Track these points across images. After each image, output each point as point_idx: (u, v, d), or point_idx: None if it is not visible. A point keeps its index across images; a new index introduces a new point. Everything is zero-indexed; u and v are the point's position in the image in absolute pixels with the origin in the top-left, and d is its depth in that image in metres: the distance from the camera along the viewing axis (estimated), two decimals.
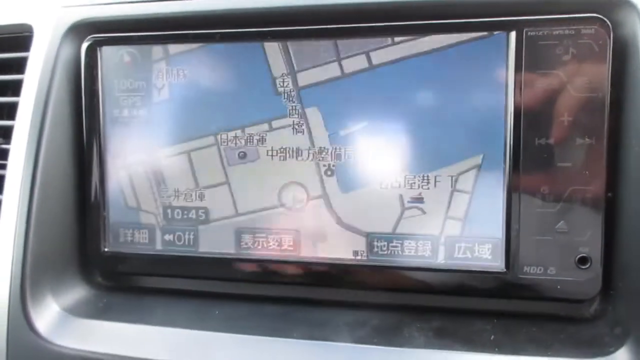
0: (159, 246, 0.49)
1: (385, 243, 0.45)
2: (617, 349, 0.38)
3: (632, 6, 0.40)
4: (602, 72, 0.40)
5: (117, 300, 0.49)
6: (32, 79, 0.48)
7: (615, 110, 0.40)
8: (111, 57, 0.48)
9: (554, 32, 0.40)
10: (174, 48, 0.47)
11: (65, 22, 0.49)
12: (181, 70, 0.47)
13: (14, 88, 0.51)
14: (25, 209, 0.46)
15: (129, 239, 0.49)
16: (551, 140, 0.41)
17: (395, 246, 0.45)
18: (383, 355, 0.40)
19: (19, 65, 0.51)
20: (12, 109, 0.50)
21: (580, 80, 0.40)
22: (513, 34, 0.41)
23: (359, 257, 0.45)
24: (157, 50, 0.47)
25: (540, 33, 0.40)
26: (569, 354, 0.39)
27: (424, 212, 0.44)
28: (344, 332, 0.43)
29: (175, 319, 0.46)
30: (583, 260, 0.41)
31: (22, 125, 0.48)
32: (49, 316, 0.46)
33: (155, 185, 0.48)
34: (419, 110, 0.43)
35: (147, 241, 0.49)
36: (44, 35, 0.49)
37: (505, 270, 0.42)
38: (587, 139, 0.40)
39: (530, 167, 0.41)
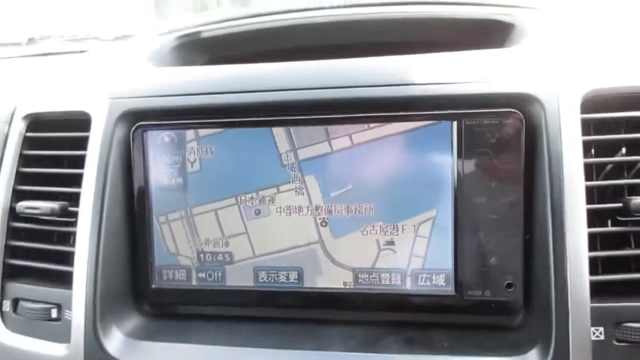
0: (194, 282, 0.63)
1: (367, 275, 0.60)
2: (530, 349, 0.53)
3: (539, 102, 0.55)
4: (519, 149, 0.55)
5: (163, 325, 0.63)
6: (93, 154, 0.62)
7: (528, 176, 0.56)
8: (154, 139, 0.62)
9: (484, 122, 0.56)
10: (203, 132, 0.61)
11: (116, 111, 0.63)
12: (209, 148, 0.61)
13: (74, 161, 0.66)
14: (93, 257, 0.60)
15: (171, 277, 0.64)
16: (484, 199, 0.56)
17: (375, 277, 0.60)
18: (368, 359, 0.55)
19: (76, 143, 0.66)
20: (77, 178, 0.64)
21: (503, 155, 0.56)
22: (455, 123, 0.56)
23: (347, 287, 0.60)
24: (189, 133, 0.62)
25: (474, 122, 0.56)
26: (499, 354, 0.54)
27: (395, 252, 0.59)
28: (338, 343, 0.58)
29: (210, 338, 0.60)
30: (509, 285, 0.56)
31: (87, 191, 0.62)
32: (115, 340, 0.60)
33: (190, 235, 0.63)
34: (389, 177, 0.58)
35: (184, 278, 0.63)
36: (99, 120, 0.63)
37: (454, 293, 0.58)
38: (509, 197, 0.56)
39: (469, 218, 0.57)
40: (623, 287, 0.54)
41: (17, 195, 0.67)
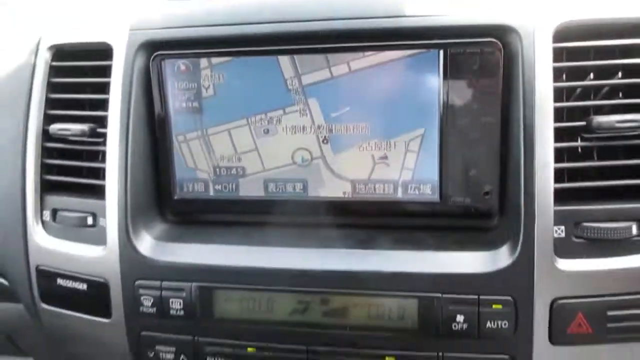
0: (211, 193, 0.72)
1: (364, 186, 0.69)
2: (502, 245, 0.63)
3: (516, 33, 0.62)
4: (498, 75, 0.63)
5: (186, 230, 0.73)
6: (117, 81, 0.69)
7: (506, 98, 0.63)
8: (172, 66, 0.69)
9: (467, 50, 0.63)
10: (215, 60, 0.68)
11: (136, 41, 0.69)
12: (221, 75, 0.68)
13: (98, 88, 0.73)
14: (123, 171, 0.69)
15: (190, 189, 0.72)
16: (466, 119, 0.64)
17: (370, 187, 0.68)
18: (363, 255, 0.65)
19: (99, 71, 0.72)
20: (103, 103, 0.71)
21: (483, 80, 0.63)
22: (441, 51, 0.63)
23: (346, 196, 0.69)
24: (203, 61, 0.68)
25: (459, 51, 0.63)
26: (476, 250, 0.64)
27: (388, 165, 0.67)
28: (339, 242, 0.67)
29: (227, 239, 0.70)
30: (486, 193, 0.65)
31: (114, 114, 0.69)
32: (145, 242, 0.70)
33: (207, 152, 0.70)
34: (383, 99, 0.66)
35: (203, 190, 0.72)
36: (120, 50, 0.70)
37: (439, 200, 0.67)
38: (488, 117, 0.64)
39: (453, 135, 0.64)
40: (584, 193, 0.62)
41: (49, 119, 0.74)
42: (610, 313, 0.60)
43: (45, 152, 0.75)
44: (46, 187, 0.75)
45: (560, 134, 0.62)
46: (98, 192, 0.71)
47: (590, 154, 0.64)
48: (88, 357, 0.84)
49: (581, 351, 0.62)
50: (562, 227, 0.61)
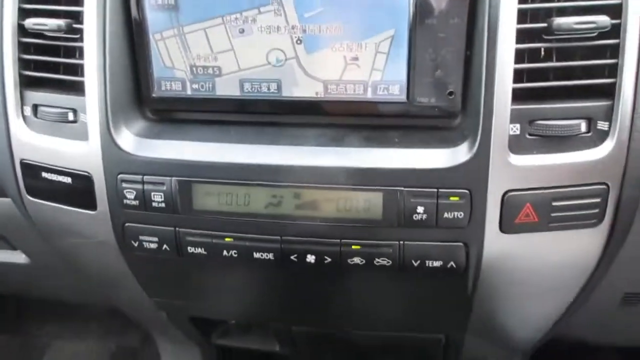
0: (189, 92, 0.74)
1: (335, 86, 0.71)
2: (462, 143, 0.68)
3: None
4: None
5: (165, 127, 0.76)
6: None
7: (472, 1, 0.66)
8: None
9: None
10: None
11: None
12: None
13: None
14: (101, 67, 0.70)
15: (168, 87, 0.74)
16: (434, 21, 0.66)
17: (341, 88, 0.71)
18: (334, 152, 0.69)
19: None
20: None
21: None
22: None
23: (318, 96, 0.72)
24: None
25: None
26: (438, 147, 0.68)
27: (359, 66, 0.70)
28: (311, 140, 0.71)
29: (204, 136, 0.73)
30: (450, 93, 0.69)
31: (90, 9, 0.70)
32: (125, 138, 0.73)
33: (184, 51, 0.72)
34: (355, 0, 0.67)
35: (180, 89, 0.74)
36: None
37: (406, 100, 0.70)
38: (455, 19, 0.66)
39: (422, 37, 0.67)
40: (542, 94, 0.66)
41: (24, 13, 0.75)
42: (554, 204, 0.66)
43: (22, 48, 0.76)
44: (26, 83, 0.77)
45: (522, 36, 0.64)
46: (78, 88, 0.73)
47: (550, 56, 0.67)
48: (76, 249, 0.90)
49: (526, 238, 0.69)
50: (518, 125, 0.65)
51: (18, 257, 1.06)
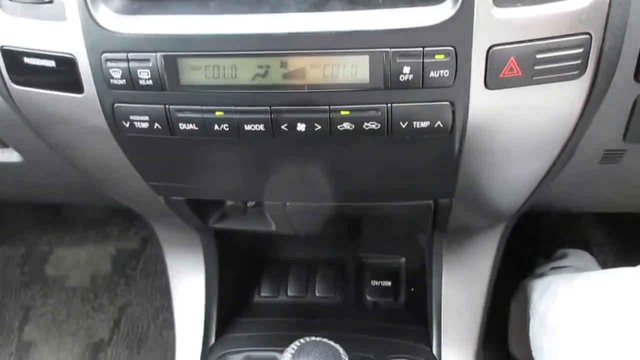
0: None
1: None
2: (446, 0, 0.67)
3: None
4: None
5: (144, 4, 0.73)
6: None
7: None
8: None
9: None
10: None
11: None
12: None
13: None
14: None
15: None
16: None
17: None
18: (318, 16, 0.69)
19: None
20: None
21: None
22: None
23: None
24: None
25: None
26: (424, 4, 0.68)
27: None
28: (293, 7, 0.70)
29: (186, 10, 0.72)
30: None
31: None
32: (106, 16, 0.71)
33: None
34: None
35: None
36: None
37: None
38: None
39: None
40: None
41: None
42: (538, 56, 0.67)
43: None
44: None
45: None
46: None
47: None
48: (68, 140, 0.90)
49: (511, 93, 0.70)
50: None
51: (10, 156, 1.07)
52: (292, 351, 0.64)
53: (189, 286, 1.20)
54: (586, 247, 1.58)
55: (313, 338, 0.67)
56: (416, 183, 0.85)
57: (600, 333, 0.87)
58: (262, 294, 1.32)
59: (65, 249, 2.05)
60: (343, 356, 0.64)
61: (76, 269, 2.00)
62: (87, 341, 1.85)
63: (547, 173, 0.87)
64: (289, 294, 1.30)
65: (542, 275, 1.31)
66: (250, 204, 1.03)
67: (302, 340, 0.66)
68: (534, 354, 1.14)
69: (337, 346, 0.65)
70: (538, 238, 1.70)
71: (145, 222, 1.99)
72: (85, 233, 2.08)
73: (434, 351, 1.13)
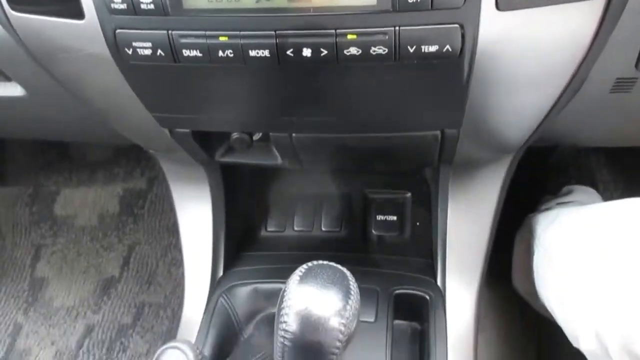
0: None
1: None
2: None
3: None
4: None
5: None
6: None
7: None
8: None
9: None
10: None
11: None
12: None
13: None
14: None
15: None
16: None
17: None
18: None
19: None
20: None
21: None
22: None
23: None
24: None
25: None
26: None
27: None
28: None
29: None
30: None
31: None
32: None
33: None
34: None
35: None
36: None
37: None
38: None
39: None
40: None
41: None
42: None
43: None
44: None
45: None
46: None
47: None
48: (71, 71, 0.89)
49: (523, 15, 0.68)
50: None
51: (14, 90, 1.06)
52: (300, 274, 0.65)
53: (196, 220, 1.21)
54: (593, 184, 1.58)
55: (320, 262, 0.68)
56: (423, 112, 0.84)
57: (605, 261, 0.88)
58: (269, 228, 1.33)
59: (72, 189, 2.07)
60: (350, 278, 0.65)
61: (84, 209, 2.03)
62: (98, 278, 1.90)
63: (557, 102, 0.86)
64: (295, 228, 1.32)
65: (547, 210, 1.31)
66: (256, 137, 1.02)
67: (309, 264, 0.67)
68: (537, 285, 1.16)
69: (344, 269, 0.66)
70: (544, 176, 1.70)
71: (151, 163, 2.01)
72: (92, 174, 2.09)
73: (439, 283, 1.15)
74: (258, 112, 0.88)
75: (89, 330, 1.78)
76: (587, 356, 0.94)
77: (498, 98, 0.83)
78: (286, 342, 0.61)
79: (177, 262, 1.90)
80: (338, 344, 0.61)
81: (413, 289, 1.14)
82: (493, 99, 0.83)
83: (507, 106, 0.86)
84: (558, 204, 1.39)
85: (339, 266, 0.66)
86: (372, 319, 1.08)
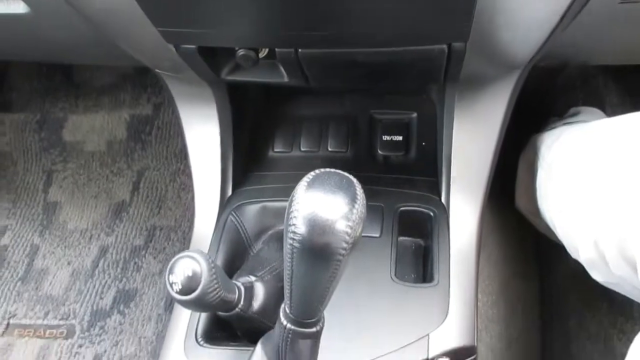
0: None
1: None
2: None
3: None
4: None
5: None
6: None
7: None
8: None
9: None
10: None
11: None
12: None
13: None
14: None
15: None
16: None
17: None
18: None
19: None
20: None
21: None
22: None
23: None
24: None
25: None
26: None
27: None
28: None
29: None
30: None
31: None
32: None
33: None
34: None
35: None
36: None
37: None
38: None
39: None
40: None
41: None
42: None
43: None
44: None
45: None
46: None
47: None
48: None
49: None
50: None
51: (17, 7, 1.05)
52: (308, 180, 0.66)
53: (204, 140, 1.23)
54: (600, 106, 1.57)
55: (327, 169, 0.69)
56: (431, 20, 0.83)
57: (604, 171, 0.89)
58: (276, 149, 1.35)
59: (79, 115, 2.08)
60: (357, 185, 0.66)
61: (92, 135, 2.05)
62: (109, 202, 1.94)
63: (567, 11, 0.85)
64: (302, 148, 1.33)
65: (552, 129, 1.32)
66: (261, 54, 1.01)
67: (316, 171, 0.68)
68: (539, 203, 1.18)
69: (351, 176, 0.68)
70: (552, 98, 1.69)
71: (156, 89, 2.00)
72: (98, 100, 2.09)
73: (443, 200, 1.17)
74: (263, 24, 0.88)
75: (104, 251, 1.84)
76: (586, 266, 0.97)
77: (506, 4, 0.82)
78: (295, 244, 0.64)
79: (186, 187, 1.93)
80: (345, 245, 0.63)
81: (417, 206, 1.16)
82: (501, 5, 0.82)
83: (515, 14, 0.85)
84: (564, 124, 1.39)
85: (345, 173, 0.68)
86: (377, 234, 1.11)
